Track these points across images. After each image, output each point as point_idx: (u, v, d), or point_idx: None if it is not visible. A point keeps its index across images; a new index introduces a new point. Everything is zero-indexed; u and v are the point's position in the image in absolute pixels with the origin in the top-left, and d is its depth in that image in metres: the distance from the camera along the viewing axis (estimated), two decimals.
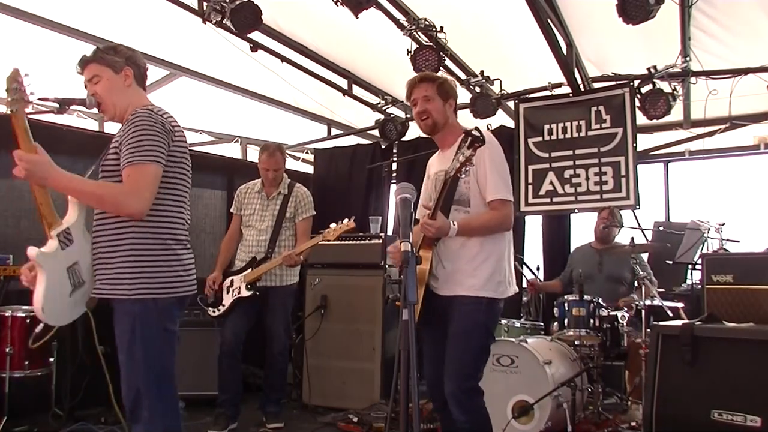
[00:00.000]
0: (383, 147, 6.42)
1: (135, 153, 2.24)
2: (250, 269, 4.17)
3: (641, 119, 4.87)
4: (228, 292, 4.21)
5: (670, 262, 4.85)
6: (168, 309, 2.33)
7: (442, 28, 4.29)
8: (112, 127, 5.25)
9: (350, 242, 4.94)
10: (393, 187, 6.11)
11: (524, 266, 5.03)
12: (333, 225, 4.07)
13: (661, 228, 5.27)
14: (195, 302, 4.12)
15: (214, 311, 4.25)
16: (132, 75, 2.47)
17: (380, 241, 4.90)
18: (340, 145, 6.90)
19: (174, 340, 2.38)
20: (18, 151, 2.25)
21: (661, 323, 3.49)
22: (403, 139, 6.03)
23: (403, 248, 1.87)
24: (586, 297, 4.27)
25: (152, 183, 2.27)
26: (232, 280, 4.21)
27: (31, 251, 2.28)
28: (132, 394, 2.29)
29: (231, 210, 4.52)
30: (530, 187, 5.25)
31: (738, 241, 4.42)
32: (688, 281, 5.08)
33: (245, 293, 4.13)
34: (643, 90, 4.74)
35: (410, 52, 4.35)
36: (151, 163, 2.25)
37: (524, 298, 4.68)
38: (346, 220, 4.04)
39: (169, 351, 2.36)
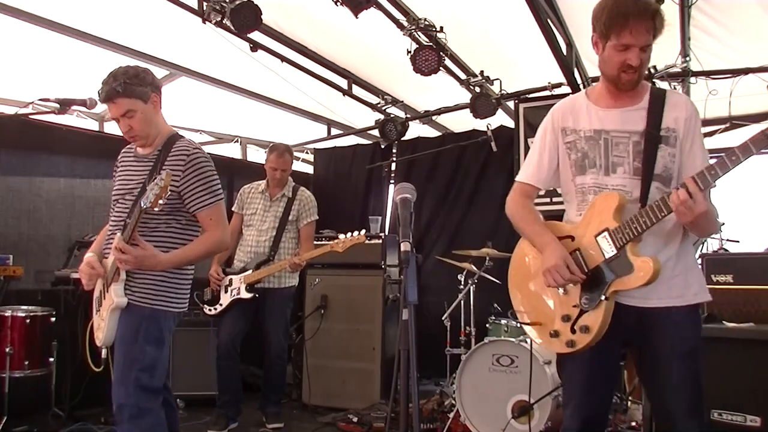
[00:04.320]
0: (383, 147, 6.43)
1: (208, 196, 2.51)
2: (250, 271, 4.16)
3: None
4: (226, 291, 4.19)
5: None
6: (169, 321, 2.53)
7: (442, 28, 4.29)
8: (112, 127, 5.27)
9: None
10: (392, 187, 6.11)
11: None
12: (342, 236, 4.02)
13: None
14: (193, 301, 4.13)
15: (210, 309, 4.23)
16: (159, 102, 2.55)
17: (380, 241, 4.90)
18: (340, 145, 6.91)
19: (167, 350, 2.56)
20: (122, 245, 2.36)
21: None
22: (402, 139, 6.03)
23: (404, 248, 1.86)
24: None
25: (225, 215, 2.62)
26: (231, 280, 4.19)
27: (121, 302, 2.43)
28: (122, 390, 2.38)
29: (232, 208, 4.51)
30: None
31: (738, 241, 4.42)
32: None
33: (245, 295, 4.10)
34: None
35: (410, 52, 4.35)
36: (221, 201, 2.57)
37: None
38: (356, 233, 3.97)
39: (162, 357, 2.51)
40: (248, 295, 4.10)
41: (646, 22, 2.00)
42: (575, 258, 2.09)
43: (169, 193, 2.37)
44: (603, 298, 2.03)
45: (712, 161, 2.00)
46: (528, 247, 2.29)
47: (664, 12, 2.04)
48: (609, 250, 2.03)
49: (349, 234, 4.01)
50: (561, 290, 2.12)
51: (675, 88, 4.68)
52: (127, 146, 2.68)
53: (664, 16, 2.03)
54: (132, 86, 2.45)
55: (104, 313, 2.46)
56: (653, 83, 4.61)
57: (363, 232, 3.99)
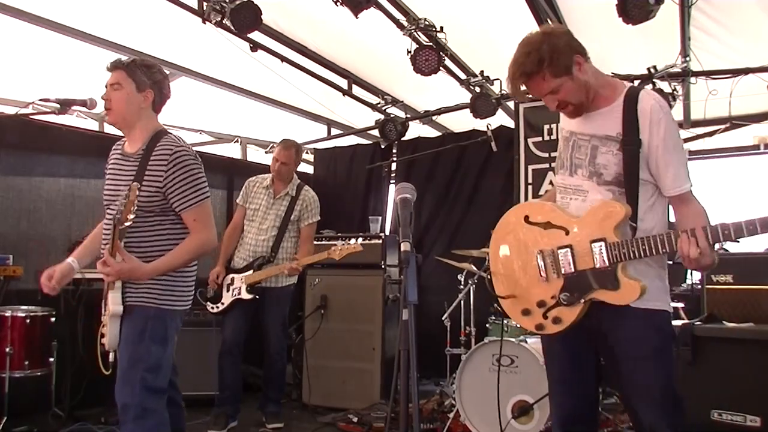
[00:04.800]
0: (383, 147, 6.42)
1: (192, 195, 2.46)
2: (251, 270, 4.17)
3: None
4: (228, 290, 4.20)
5: (670, 262, 4.83)
6: (176, 319, 2.52)
7: (442, 28, 4.29)
8: (112, 127, 5.27)
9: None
10: (392, 187, 6.11)
11: None
12: (340, 243, 4.10)
13: None
14: (194, 301, 4.15)
15: (213, 307, 4.25)
16: (151, 99, 2.53)
17: (380, 241, 4.90)
18: (340, 145, 6.91)
19: (172, 348, 2.53)
20: (107, 257, 2.36)
21: None
22: (402, 139, 6.03)
23: (404, 248, 1.87)
24: None
25: (211, 214, 2.57)
26: (232, 279, 4.21)
27: (116, 310, 2.42)
28: (127, 389, 2.37)
29: (237, 200, 4.51)
30: (530, 187, 5.24)
31: (738, 241, 4.41)
32: (688, 281, 5.08)
33: (246, 296, 4.12)
34: None
35: (410, 52, 4.35)
36: (206, 200, 2.52)
37: None
38: (353, 242, 4.06)
39: (167, 356, 2.48)
40: (249, 296, 4.12)
41: (532, 79, 2.06)
42: (564, 254, 2.10)
43: (157, 195, 2.40)
44: (582, 301, 2.07)
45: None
46: (518, 219, 2.27)
47: (545, 50, 2.02)
48: (601, 261, 2.04)
49: (344, 242, 4.09)
50: (543, 278, 2.15)
51: (675, 89, 4.69)
52: (116, 144, 2.65)
53: (545, 55, 2.01)
54: (135, 69, 2.49)
55: (106, 318, 2.46)
56: (653, 83, 4.65)
57: (360, 241, 4.08)
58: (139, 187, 2.34)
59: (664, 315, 2.15)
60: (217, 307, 4.23)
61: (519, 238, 2.25)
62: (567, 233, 2.14)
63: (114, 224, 2.30)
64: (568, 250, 2.11)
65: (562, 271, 2.11)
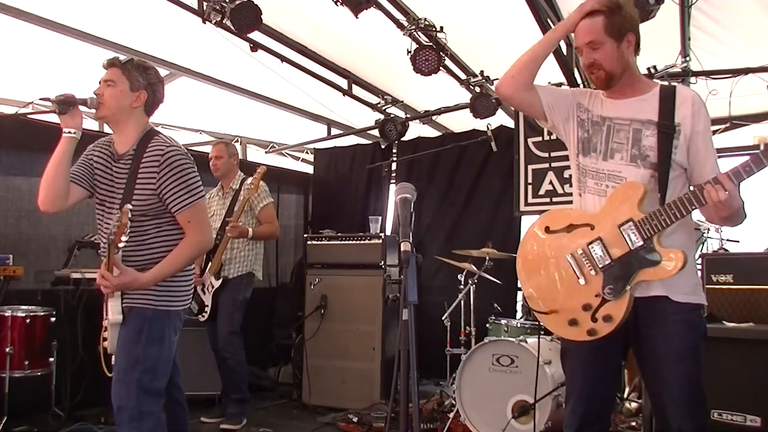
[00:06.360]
0: (383, 147, 6.43)
1: (186, 196, 2.43)
2: (211, 262, 4.30)
3: None
4: (205, 293, 4.31)
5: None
6: (175, 320, 2.51)
7: (442, 28, 4.29)
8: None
9: (350, 242, 4.95)
10: (393, 187, 6.11)
11: None
12: (249, 180, 4.32)
13: None
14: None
15: (202, 316, 4.33)
16: (143, 100, 2.52)
17: (380, 241, 4.90)
18: (340, 145, 6.91)
19: (173, 349, 2.51)
20: (104, 272, 2.34)
21: None
22: (402, 139, 6.03)
23: (404, 248, 1.87)
24: None
25: (206, 214, 2.61)
26: (204, 281, 4.33)
27: (116, 319, 2.41)
28: (123, 390, 2.36)
29: None
30: (530, 187, 5.25)
31: (738, 241, 4.42)
32: None
33: (216, 283, 4.24)
34: None
35: (410, 52, 4.35)
36: (200, 200, 2.50)
37: None
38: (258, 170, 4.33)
39: (164, 357, 2.45)
40: (218, 282, 4.25)
41: (589, 20, 2.12)
42: (596, 248, 2.10)
43: (151, 198, 2.40)
44: (628, 288, 2.03)
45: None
46: (539, 233, 2.26)
47: (615, 4, 2.10)
48: (635, 240, 2.03)
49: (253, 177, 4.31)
50: (582, 279, 2.11)
51: None
52: (104, 142, 2.64)
53: (613, 6, 2.09)
54: (131, 69, 2.50)
55: (107, 323, 2.45)
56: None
57: (263, 166, 4.35)
58: (134, 195, 2.39)
59: (701, 310, 2.16)
60: (205, 314, 4.31)
61: (545, 251, 2.22)
62: (592, 228, 2.12)
63: (108, 244, 2.29)
64: (599, 242, 2.10)
65: (599, 266, 2.08)
